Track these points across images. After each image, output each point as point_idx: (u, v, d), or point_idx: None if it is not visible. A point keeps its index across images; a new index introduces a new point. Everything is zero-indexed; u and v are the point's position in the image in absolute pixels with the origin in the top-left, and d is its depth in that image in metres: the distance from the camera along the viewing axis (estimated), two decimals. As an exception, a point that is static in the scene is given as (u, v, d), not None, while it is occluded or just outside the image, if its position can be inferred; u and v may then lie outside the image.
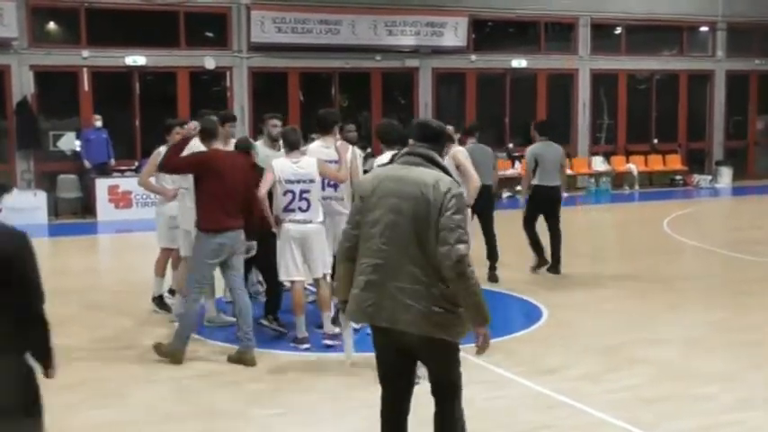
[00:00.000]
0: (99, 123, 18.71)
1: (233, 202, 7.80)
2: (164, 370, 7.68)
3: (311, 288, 9.13)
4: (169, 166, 7.98)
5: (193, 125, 8.10)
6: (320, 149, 8.73)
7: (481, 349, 4.55)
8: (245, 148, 8.83)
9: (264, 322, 8.81)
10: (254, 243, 8.34)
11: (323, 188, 8.53)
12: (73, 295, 10.84)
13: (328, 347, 8.28)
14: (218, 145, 8.07)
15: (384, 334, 4.63)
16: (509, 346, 8.25)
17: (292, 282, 8.36)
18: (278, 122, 9.79)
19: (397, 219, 4.54)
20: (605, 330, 8.98)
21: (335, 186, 8.72)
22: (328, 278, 8.51)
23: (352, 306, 4.69)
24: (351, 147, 9.04)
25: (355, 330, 8.16)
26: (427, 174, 4.58)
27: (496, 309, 8.13)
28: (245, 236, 8.03)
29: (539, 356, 7.99)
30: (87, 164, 18.71)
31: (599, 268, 12.54)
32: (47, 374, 4.11)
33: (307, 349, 8.24)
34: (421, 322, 4.46)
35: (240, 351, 7.88)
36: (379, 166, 8.38)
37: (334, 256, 8.93)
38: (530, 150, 11.75)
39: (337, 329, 8.46)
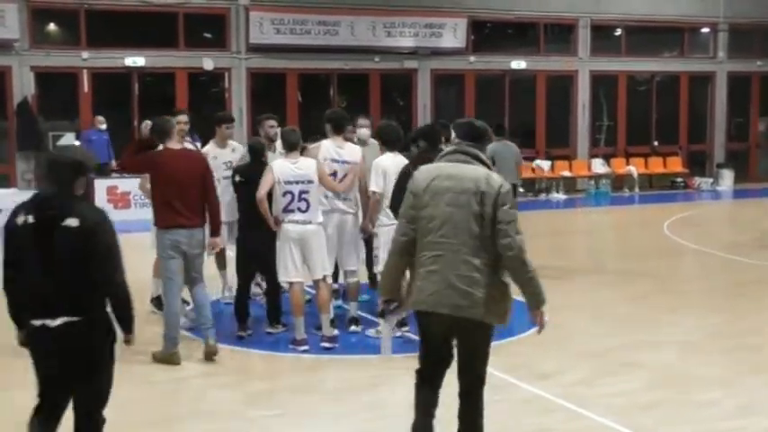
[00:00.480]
0: (103, 126, 18.71)
1: (186, 200, 7.82)
2: (161, 371, 7.70)
3: (310, 290, 9.15)
4: (123, 166, 8.06)
5: (145, 124, 8.21)
6: (333, 148, 8.75)
7: (541, 327, 5.15)
8: (258, 151, 8.83)
9: (272, 331, 8.85)
10: (218, 240, 8.34)
11: None
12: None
13: (327, 350, 8.30)
14: (173, 144, 8.05)
15: (439, 321, 5.02)
16: (506, 349, 8.26)
17: (291, 283, 8.37)
18: (274, 123, 9.85)
19: (454, 212, 4.97)
20: (603, 333, 8.99)
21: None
22: (329, 279, 8.54)
23: (415, 296, 5.07)
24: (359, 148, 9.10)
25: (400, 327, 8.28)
26: (478, 170, 5.06)
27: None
28: (210, 232, 8.06)
29: (536, 360, 8.00)
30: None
31: (598, 271, 12.56)
32: (127, 340, 4.92)
33: (305, 351, 8.26)
34: (479, 307, 4.93)
35: (166, 352, 7.85)
36: (381, 167, 8.44)
37: (368, 259, 9.04)
38: (488, 149, 11.78)
39: (336, 332, 8.50)
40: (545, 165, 23.16)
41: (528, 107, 23.88)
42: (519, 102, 23.96)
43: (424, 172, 5.20)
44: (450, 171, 5.09)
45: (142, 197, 17.86)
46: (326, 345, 8.35)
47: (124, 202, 18.35)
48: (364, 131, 9.84)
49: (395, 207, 7.61)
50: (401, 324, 8.64)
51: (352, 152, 8.85)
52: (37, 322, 4.62)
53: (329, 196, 8.68)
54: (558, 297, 10.39)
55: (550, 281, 11.41)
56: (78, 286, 4.60)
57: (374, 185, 8.49)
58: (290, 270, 8.30)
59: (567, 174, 23.58)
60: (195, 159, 8.20)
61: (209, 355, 7.91)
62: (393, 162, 8.54)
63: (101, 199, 18.28)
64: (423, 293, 5.02)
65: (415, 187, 5.14)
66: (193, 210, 7.88)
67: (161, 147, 8.00)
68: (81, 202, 4.75)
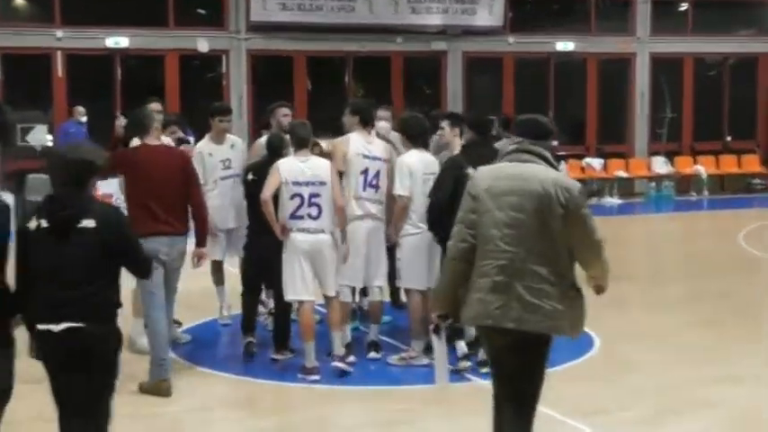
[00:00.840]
0: (83, 118, 18.79)
1: (166, 203, 7.89)
2: (149, 404, 7.70)
3: (320, 308, 9.17)
4: None
5: (121, 120, 8.45)
6: (363, 143, 8.81)
7: (599, 291, 5.51)
8: (276, 146, 8.88)
9: (278, 357, 8.86)
10: (204, 250, 8.39)
11: (363, 188, 8.67)
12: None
13: (342, 375, 8.31)
14: (151, 139, 8.14)
15: (504, 335, 5.23)
16: (554, 380, 8.22)
17: (301, 302, 8.40)
18: (288, 111, 9.96)
19: (519, 217, 5.17)
20: (666, 365, 8.94)
21: (376, 187, 8.77)
22: (343, 296, 8.57)
23: (476, 309, 5.26)
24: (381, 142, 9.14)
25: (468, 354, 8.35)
26: (543, 170, 5.27)
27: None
28: (196, 242, 8.15)
29: (589, 393, 7.98)
30: None
31: (660, 290, 12.51)
32: None
33: (315, 381, 8.27)
34: (547, 321, 5.16)
35: (154, 381, 7.86)
36: (407, 165, 8.48)
37: (391, 271, 9.07)
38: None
39: (352, 357, 8.51)
40: (596, 164, 23.10)
41: (576, 96, 23.85)
42: (566, 90, 23.95)
43: (485, 172, 5.45)
44: (513, 171, 5.29)
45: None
46: (339, 365, 8.36)
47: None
48: (383, 124, 9.85)
49: (439, 210, 7.79)
50: (429, 350, 8.67)
51: (381, 148, 8.94)
52: (42, 327, 5.09)
53: (362, 197, 8.69)
54: (612, 321, 10.41)
55: (604, 301, 11.43)
56: (91, 291, 5.09)
57: (400, 187, 8.53)
58: (298, 287, 8.31)
59: (622, 174, 23.51)
60: (175, 156, 8.30)
61: (163, 393, 7.83)
62: (419, 159, 8.58)
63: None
64: (488, 306, 5.21)
65: (475, 189, 5.36)
66: (175, 214, 7.95)
67: (137, 142, 8.11)
68: (95, 202, 5.32)
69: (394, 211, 8.70)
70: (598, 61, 24.07)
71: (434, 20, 21.90)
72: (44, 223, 5.12)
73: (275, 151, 8.83)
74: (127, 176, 8.18)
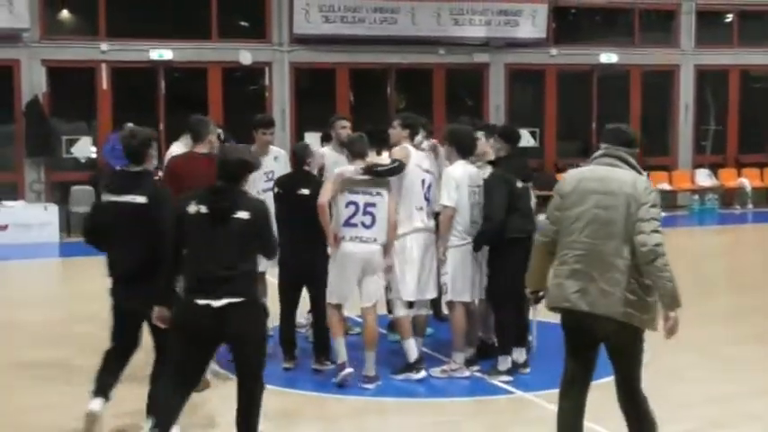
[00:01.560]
0: None
1: None
2: (193, 415, 7.72)
3: (355, 318, 9.17)
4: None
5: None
6: (421, 157, 8.86)
7: (671, 332, 5.85)
8: (300, 156, 8.94)
9: (319, 368, 8.92)
10: None
11: (423, 199, 8.71)
12: (87, 324, 10.97)
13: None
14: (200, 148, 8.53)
15: (579, 318, 5.90)
16: (599, 393, 8.17)
17: (364, 316, 8.55)
18: (347, 124, 10.12)
19: (600, 214, 5.83)
20: (714, 378, 8.88)
21: (429, 200, 8.80)
22: (397, 311, 8.66)
23: (555, 292, 5.97)
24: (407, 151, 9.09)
25: None
26: (626, 173, 5.94)
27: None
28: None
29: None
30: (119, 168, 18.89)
31: (704, 304, 12.37)
32: None
33: (367, 391, 8.33)
34: (618, 307, 5.74)
35: None
36: (454, 177, 8.52)
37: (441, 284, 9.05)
38: None
39: (373, 372, 8.54)
40: (640, 176, 22.93)
41: (620, 108, 23.70)
42: (609, 102, 23.83)
43: (574, 174, 6.14)
44: (599, 173, 5.98)
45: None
46: (367, 386, 8.40)
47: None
48: (419, 137, 9.84)
49: (501, 227, 8.32)
50: (470, 362, 8.65)
51: (429, 161, 8.95)
52: (201, 302, 5.93)
53: (420, 207, 8.70)
54: (656, 334, 10.29)
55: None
56: (242, 271, 6.01)
57: (447, 199, 8.53)
58: (344, 292, 8.48)
59: (665, 187, 23.33)
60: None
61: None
62: (466, 172, 8.60)
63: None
64: (566, 291, 5.89)
65: (562, 189, 6.06)
66: None
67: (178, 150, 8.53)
68: (248, 197, 6.25)
69: (440, 222, 8.68)
70: (642, 73, 23.94)
71: (477, 32, 21.87)
72: (203, 209, 6.02)
73: (298, 162, 8.87)
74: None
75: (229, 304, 5.94)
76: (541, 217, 9.47)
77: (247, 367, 6.24)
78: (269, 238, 6.37)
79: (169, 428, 6.19)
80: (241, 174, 6.17)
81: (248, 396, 6.23)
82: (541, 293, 6.35)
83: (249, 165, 6.27)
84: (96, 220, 7.03)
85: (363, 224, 8.32)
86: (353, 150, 8.59)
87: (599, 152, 6.15)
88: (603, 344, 6.04)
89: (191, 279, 6.10)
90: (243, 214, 6.02)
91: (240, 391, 6.24)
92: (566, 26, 23.60)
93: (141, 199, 6.70)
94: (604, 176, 5.94)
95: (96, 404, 6.87)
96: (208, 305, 5.93)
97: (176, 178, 8.19)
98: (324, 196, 8.31)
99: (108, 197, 6.89)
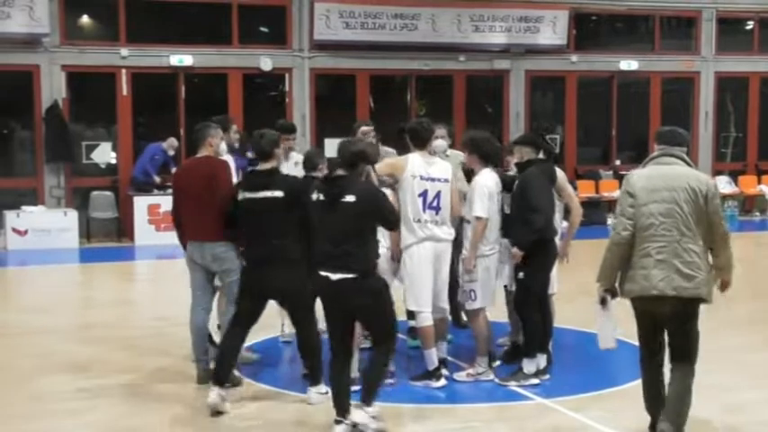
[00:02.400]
0: (172, 152, 19.38)
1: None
2: (213, 421, 7.71)
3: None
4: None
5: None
6: (422, 165, 8.66)
7: (724, 287, 7.00)
8: (314, 164, 8.75)
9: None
10: None
11: (423, 210, 8.50)
12: (104, 330, 11.00)
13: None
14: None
15: (665, 303, 6.68)
16: (613, 400, 8.13)
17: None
18: (367, 128, 10.26)
19: (672, 207, 6.63)
20: (732, 385, 8.81)
21: (437, 209, 8.56)
22: (421, 320, 8.62)
23: (641, 284, 6.67)
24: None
25: None
26: (687, 170, 6.78)
27: (601, 355, 8.06)
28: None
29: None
30: (157, 179, 19.11)
31: (724, 311, 12.27)
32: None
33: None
34: (702, 287, 6.66)
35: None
36: (487, 186, 8.49)
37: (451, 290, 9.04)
38: None
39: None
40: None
41: (640, 115, 23.65)
42: (629, 109, 23.78)
43: (640, 174, 6.86)
44: (662, 172, 6.76)
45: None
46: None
47: (168, 222, 18.48)
48: (440, 143, 9.73)
49: (547, 213, 8.50)
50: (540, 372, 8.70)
51: (442, 168, 8.67)
52: (322, 273, 7.00)
53: (422, 220, 8.53)
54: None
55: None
56: (352, 248, 6.92)
57: (480, 209, 8.44)
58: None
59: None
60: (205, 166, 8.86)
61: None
62: (493, 179, 8.58)
63: (140, 219, 18.57)
64: (653, 280, 6.63)
65: (632, 188, 6.77)
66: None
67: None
68: (358, 183, 7.11)
69: (471, 233, 8.59)
70: (662, 80, 23.86)
71: (497, 38, 21.85)
72: (321, 197, 7.05)
73: (310, 167, 8.78)
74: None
75: (343, 279, 6.91)
76: (564, 224, 9.48)
77: (376, 335, 7.34)
78: (382, 214, 7.18)
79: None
80: (355, 163, 7.08)
81: (383, 353, 7.24)
82: (614, 295, 6.91)
83: (364, 155, 7.16)
84: (236, 215, 7.93)
85: None
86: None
87: (657, 153, 6.89)
88: (673, 327, 6.84)
89: (318, 254, 7.10)
90: (350, 198, 6.91)
91: (376, 349, 7.32)
92: (586, 33, 23.56)
93: (278, 193, 7.68)
94: (668, 173, 6.72)
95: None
96: (327, 277, 6.97)
97: (174, 182, 8.94)
98: None
99: (245, 195, 7.78)
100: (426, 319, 8.58)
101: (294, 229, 7.66)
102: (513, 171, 9.04)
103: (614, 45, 24.09)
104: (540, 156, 8.89)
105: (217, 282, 8.73)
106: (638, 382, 8.16)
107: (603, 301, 6.95)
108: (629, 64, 23.32)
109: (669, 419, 6.75)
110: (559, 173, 9.14)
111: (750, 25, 24.57)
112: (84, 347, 10.19)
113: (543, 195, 8.53)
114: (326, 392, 7.77)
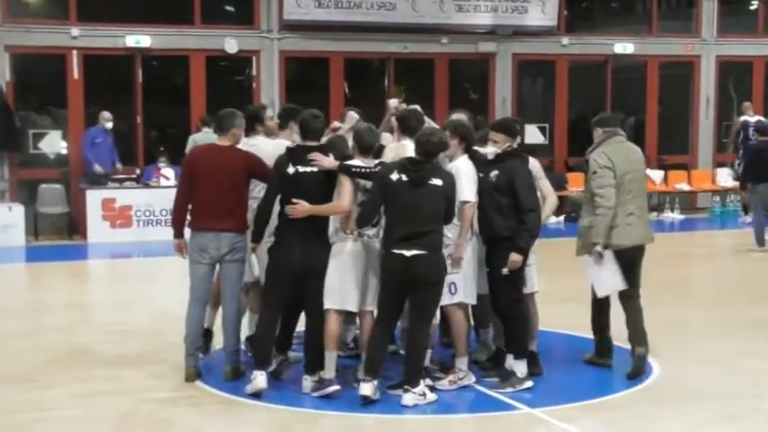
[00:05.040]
0: (109, 124, 18.85)
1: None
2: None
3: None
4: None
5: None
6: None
7: None
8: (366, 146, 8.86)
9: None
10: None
11: None
12: (53, 336, 10.93)
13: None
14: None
15: (638, 249, 9.09)
16: (607, 410, 8.15)
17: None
18: (356, 116, 10.08)
19: (637, 174, 9.12)
20: (734, 392, 8.82)
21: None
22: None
23: (638, 232, 9.01)
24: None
25: None
26: (634, 145, 9.44)
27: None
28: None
29: (648, 425, 7.91)
30: (98, 168, 18.81)
31: (725, 313, 12.35)
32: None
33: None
34: (651, 234, 9.30)
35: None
36: (472, 171, 8.61)
37: None
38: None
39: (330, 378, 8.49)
40: (657, 176, 22.94)
41: (636, 102, 23.77)
42: (624, 95, 23.88)
43: (608, 152, 8.89)
44: (626, 147, 9.17)
45: (147, 213, 18.12)
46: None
47: (124, 218, 18.47)
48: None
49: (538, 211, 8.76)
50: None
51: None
52: (396, 251, 7.94)
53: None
54: (673, 344, 10.30)
55: (663, 324, 11.31)
56: (433, 228, 7.99)
57: (470, 193, 8.54)
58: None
59: (684, 187, 23.37)
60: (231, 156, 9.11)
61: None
62: (470, 164, 8.65)
63: (93, 215, 18.41)
64: (638, 231, 8.99)
65: (611, 164, 8.82)
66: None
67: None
68: (440, 168, 8.22)
69: (461, 219, 8.57)
70: (660, 64, 23.96)
71: (482, 19, 21.89)
72: (404, 177, 7.96)
73: (367, 147, 8.86)
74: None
75: (417, 255, 7.89)
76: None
77: (425, 313, 8.19)
78: (453, 203, 8.17)
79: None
80: (437, 151, 8.11)
81: (425, 334, 8.20)
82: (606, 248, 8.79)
83: (442, 143, 8.16)
84: (282, 189, 8.41)
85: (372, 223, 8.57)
86: (363, 143, 8.61)
87: (609, 133, 9.09)
88: (640, 262, 9.17)
89: (393, 233, 8.01)
90: (437, 181, 7.98)
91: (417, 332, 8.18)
92: (578, 13, 23.68)
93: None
94: (631, 148, 9.23)
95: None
96: (401, 254, 7.90)
97: (191, 168, 8.93)
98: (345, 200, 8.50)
99: (293, 168, 8.31)
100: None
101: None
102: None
103: (608, 27, 24.19)
104: (515, 145, 8.94)
105: (247, 277, 9.04)
106: (633, 391, 8.26)
107: (601, 256, 8.77)
108: (624, 47, 23.39)
109: (640, 342, 8.98)
110: (534, 163, 9.20)
111: (754, 5, 24.70)
112: (31, 356, 10.12)
113: (534, 193, 8.68)
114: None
